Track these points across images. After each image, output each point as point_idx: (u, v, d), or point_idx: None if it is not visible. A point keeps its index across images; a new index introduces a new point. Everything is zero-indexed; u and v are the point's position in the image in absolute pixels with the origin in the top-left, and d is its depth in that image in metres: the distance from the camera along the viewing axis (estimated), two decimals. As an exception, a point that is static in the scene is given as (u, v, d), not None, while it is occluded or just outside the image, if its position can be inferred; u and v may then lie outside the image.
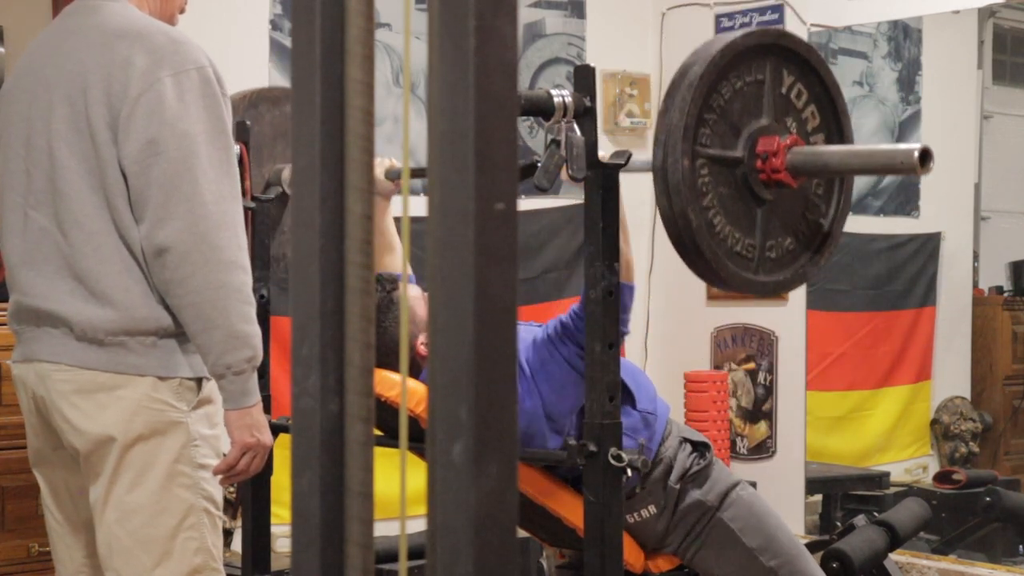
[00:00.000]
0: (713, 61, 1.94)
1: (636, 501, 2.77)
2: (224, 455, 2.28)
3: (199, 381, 2.26)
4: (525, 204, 4.57)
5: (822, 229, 2.09)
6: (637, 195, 5.20)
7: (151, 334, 2.21)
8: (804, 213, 2.08)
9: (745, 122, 2.00)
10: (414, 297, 2.87)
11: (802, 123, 2.08)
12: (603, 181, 2.23)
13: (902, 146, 1.90)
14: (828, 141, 2.09)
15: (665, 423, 2.84)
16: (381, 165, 2.97)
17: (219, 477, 2.28)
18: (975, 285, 5.41)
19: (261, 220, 3.09)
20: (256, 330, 2.21)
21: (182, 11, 2.46)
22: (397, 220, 3.17)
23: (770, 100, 2.02)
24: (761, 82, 2.02)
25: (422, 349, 2.81)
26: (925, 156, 1.83)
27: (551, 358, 2.63)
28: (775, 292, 2.13)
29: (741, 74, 2.00)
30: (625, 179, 2.30)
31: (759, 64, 2.02)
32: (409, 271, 3.10)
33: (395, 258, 3.03)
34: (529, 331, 2.85)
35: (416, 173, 2.87)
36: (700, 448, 2.85)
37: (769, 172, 1.98)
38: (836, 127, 2.12)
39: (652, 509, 2.79)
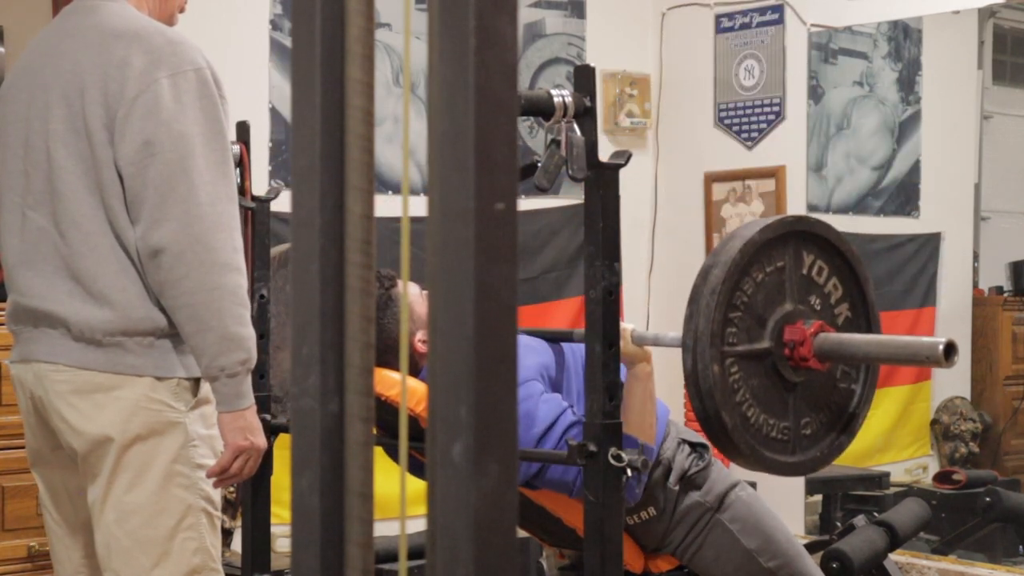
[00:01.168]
0: (734, 262, 1.96)
1: (636, 504, 2.76)
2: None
3: (196, 381, 2.26)
4: (525, 204, 4.57)
5: (852, 399, 2.12)
6: (636, 195, 5.21)
7: (148, 334, 2.21)
8: (835, 385, 2.10)
9: (770, 311, 2.02)
10: (411, 295, 2.87)
11: (825, 297, 2.09)
12: (603, 181, 2.23)
13: (927, 339, 1.92)
14: (852, 309, 2.11)
15: (665, 425, 2.84)
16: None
17: (213, 479, 2.27)
18: (975, 285, 5.41)
19: (261, 220, 3.09)
20: (250, 332, 2.20)
21: (182, 10, 2.45)
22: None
23: (792, 283, 2.04)
24: (782, 268, 2.04)
25: (419, 346, 2.81)
26: (950, 350, 1.85)
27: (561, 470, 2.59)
28: (812, 470, 2.16)
29: (762, 266, 2.02)
30: (625, 180, 2.30)
31: (779, 252, 2.03)
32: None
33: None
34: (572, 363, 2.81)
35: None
36: (699, 449, 2.85)
37: (797, 360, 2.00)
38: (859, 294, 2.14)
39: (652, 511, 2.79)
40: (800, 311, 2.03)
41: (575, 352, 2.83)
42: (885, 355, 2.04)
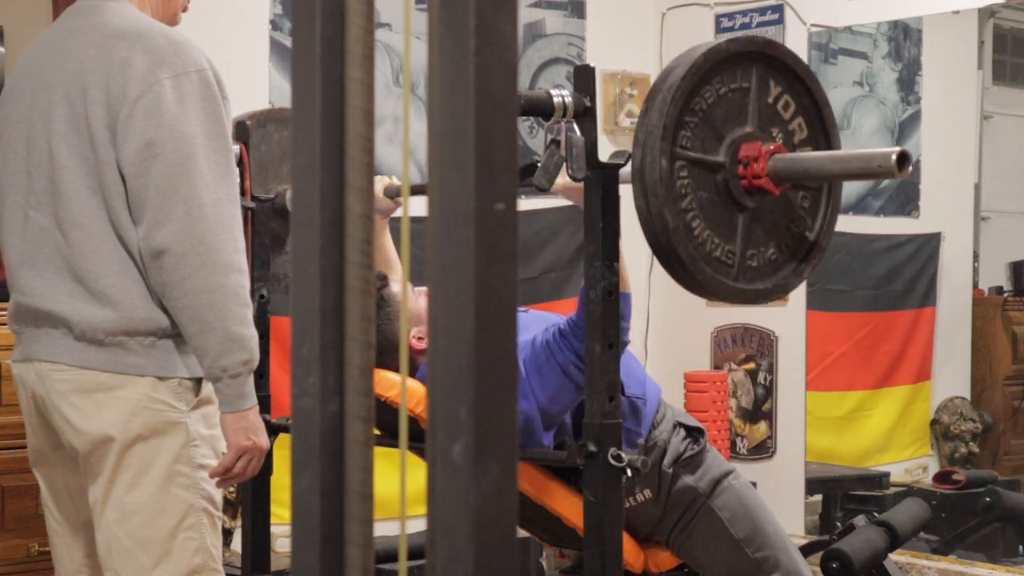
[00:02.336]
0: (696, 64, 1.93)
1: (633, 485, 2.76)
2: (224, 454, 2.28)
3: (198, 381, 2.26)
4: (525, 204, 4.57)
5: (807, 240, 2.08)
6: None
7: (150, 334, 2.21)
8: (788, 225, 2.07)
9: (728, 129, 1.99)
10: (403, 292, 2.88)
11: (788, 134, 2.06)
12: (603, 181, 2.23)
13: (880, 150, 1.89)
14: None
15: (656, 406, 2.84)
16: (380, 182, 2.98)
17: (216, 479, 2.28)
18: (975, 285, 5.41)
19: (260, 220, 3.09)
20: (252, 333, 2.21)
21: (184, 9, 2.46)
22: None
23: (755, 108, 2.01)
24: (746, 90, 2.00)
25: (415, 343, 2.82)
26: (903, 159, 1.83)
27: (547, 363, 2.63)
28: (754, 301, 2.11)
29: (725, 80, 1.98)
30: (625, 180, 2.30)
31: (744, 71, 2.00)
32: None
33: (394, 276, 3.02)
34: (531, 322, 2.85)
35: (416, 190, 2.86)
36: (694, 433, 2.85)
37: (751, 178, 1.97)
38: (824, 139, 2.10)
39: (648, 493, 2.79)
40: (759, 136, 2.00)
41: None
42: (838, 169, 2.00)
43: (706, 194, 1.96)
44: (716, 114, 1.97)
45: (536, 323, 2.87)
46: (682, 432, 2.84)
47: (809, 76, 2.07)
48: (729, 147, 1.97)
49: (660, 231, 1.93)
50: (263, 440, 2.27)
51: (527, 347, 2.69)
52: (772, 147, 1.97)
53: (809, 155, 2.03)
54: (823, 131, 2.09)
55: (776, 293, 2.08)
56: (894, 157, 1.82)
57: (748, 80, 2.00)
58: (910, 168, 1.83)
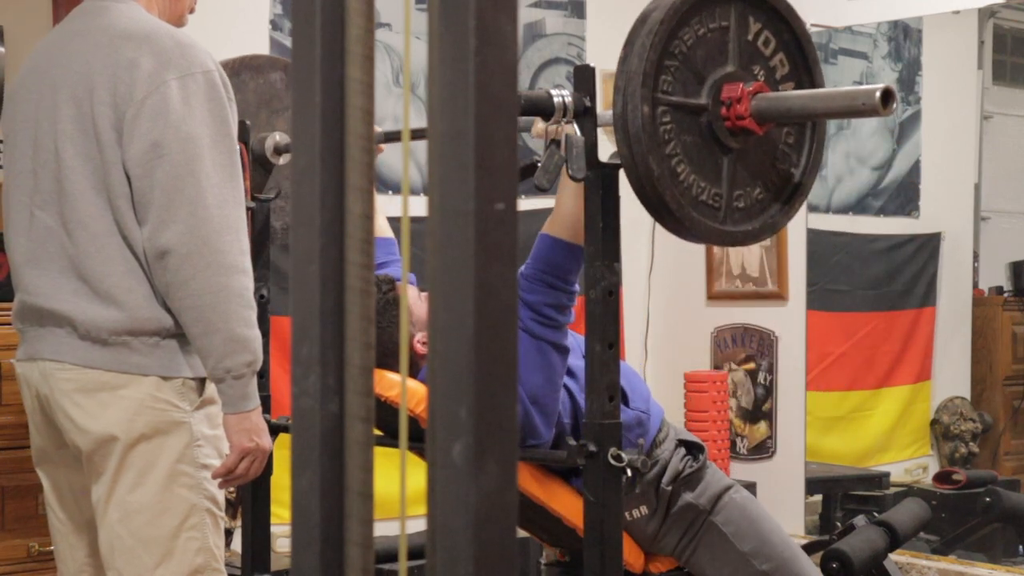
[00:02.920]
0: (673, 6, 1.92)
1: (629, 500, 2.75)
2: (227, 454, 2.28)
3: (202, 381, 2.26)
4: (525, 204, 4.57)
5: (793, 179, 2.06)
6: (637, 195, 5.20)
7: (154, 334, 2.22)
8: (774, 163, 2.05)
9: (709, 69, 1.98)
10: (410, 297, 2.87)
11: (770, 71, 2.04)
12: (603, 181, 2.23)
13: (864, 87, 1.87)
14: (799, 89, 2.06)
15: (660, 424, 2.83)
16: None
17: (218, 480, 2.28)
18: (975, 285, 5.41)
19: (261, 220, 3.10)
20: (256, 334, 2.21)
21: (191, 11, 2.46)
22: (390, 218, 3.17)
23: (736, 47, 2.00)
24: (726, 28, 1.99)
25: (419, 347, 2.81)
26: (887, 96, 1.81)
27: None
28: (743, 242, 2.11)
29: (704, 20, 1.97)
30: (625, 180, 2.30)
31: (723, 10, 1.98)
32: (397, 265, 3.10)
33: (378, 220, 3.00)
34: None
35: (416, 134, 2.79)
36: (694, 451, 2.84)
37: (734, 119, 1.95)
38: (807, 75, 2.08)
39: (644, 510, 2.78)
40: (741, 75, 1.98)
41: None
42: (822, 107, 1.97)
43: (690, 138, 1.95)
44: (696, 56, 1.96)
45: None
46: (682, 450, 2.83)
47: (788, 11, 2.05)
48: (711, 89, 1.96)
49: (645, 178, 1.91)
50: (266, 441, 2.27)
51: None
52: (754, 87, 1.96)
53: (792, 94, 2.02)
54: (805, 66, 2.07)
55: (764, 234, 2.07)
56: (878, 94, 1.81)
57: (727, 19, 1.99)
58: (895, 106, 1.82)
